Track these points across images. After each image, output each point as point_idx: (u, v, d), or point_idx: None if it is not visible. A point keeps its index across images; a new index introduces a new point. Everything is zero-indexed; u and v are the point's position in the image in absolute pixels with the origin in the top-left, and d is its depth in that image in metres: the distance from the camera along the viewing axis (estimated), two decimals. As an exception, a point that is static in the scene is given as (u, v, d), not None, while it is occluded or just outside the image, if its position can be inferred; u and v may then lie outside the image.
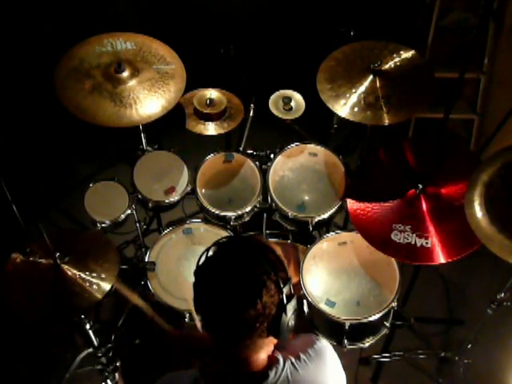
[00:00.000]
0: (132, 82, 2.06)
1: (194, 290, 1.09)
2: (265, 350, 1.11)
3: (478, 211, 1.61)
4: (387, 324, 2.06)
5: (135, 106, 2.01)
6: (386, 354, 2.47)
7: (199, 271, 1.09)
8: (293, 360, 1.14)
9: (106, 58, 2.09)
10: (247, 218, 2.24)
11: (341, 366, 1.23)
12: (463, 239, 1.81)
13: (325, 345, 1.22)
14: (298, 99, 2.35)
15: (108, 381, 2.21)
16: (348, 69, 2.17)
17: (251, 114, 2.52)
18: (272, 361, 1.13)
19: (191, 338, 1.61)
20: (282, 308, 1.05)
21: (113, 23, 2.21)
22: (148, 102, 2.03)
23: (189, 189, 2.28)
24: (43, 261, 1.73)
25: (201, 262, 1.09)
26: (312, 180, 2.35)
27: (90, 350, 2.21)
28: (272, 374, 1.11)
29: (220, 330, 1.07)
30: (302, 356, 1.16)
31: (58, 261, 1.71)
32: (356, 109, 2.08)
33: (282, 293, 1.04)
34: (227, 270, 1.05)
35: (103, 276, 1.74)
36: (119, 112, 1.98)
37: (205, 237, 2.21)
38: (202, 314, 1.08)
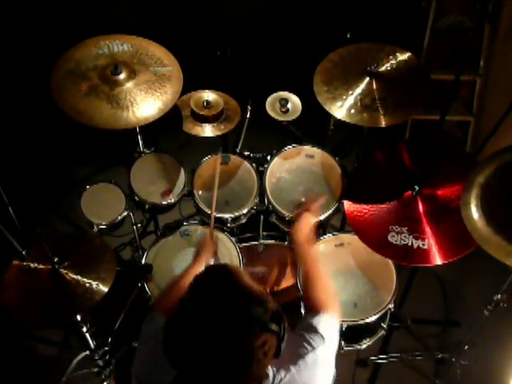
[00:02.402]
0: (129, 84, 2.05)
1: (175, 352, 1.01)
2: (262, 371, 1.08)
3: (475, 213, 1.62)
4: (384, 325, 2.07)
5: (132, 109, 2.00)
6: (383, 356, 2.47)
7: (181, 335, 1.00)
8: (282, 374, 1.12)
9: (103, 60, 2.09)
10: (244, 220, 2.24)
11: (332, 370, 1.22)
12: (460, 241, 1.81)
13: (316, 356, 1.19)
14: (294, 101, 2.35)
15: (105, 383, 2.20)
16: (344, 71, 2.18)
17: (248, 115, 2.52)
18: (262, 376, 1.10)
19: None
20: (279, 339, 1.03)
21: (111, 25, 2.20)
22: (145, 104, 2.03)
23: (185, 191, 2.27)
24: (42, 266, 1.72)
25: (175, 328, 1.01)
26: (309, 182, 2.35)
27: (87, 352, 2.21)
28: None
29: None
30: (292, 369, 1.14)
31: (57, 266, 1.70)
32: (352, 111, 2.08)
33: (280, 333, 1.03)
34: (219, 342, 0.97)
35: (102, 276, 1.74)
36: (116, 114, 1.98)
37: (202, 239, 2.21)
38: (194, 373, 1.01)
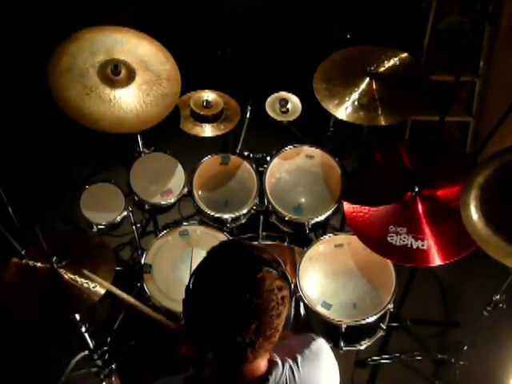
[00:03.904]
0: (129, 86, 2.04)
1: (193, 315, 1.03)
2: (268, 353, 1.10)
3: (474, 213, 1.62)
4: (383, 326, 2.06)
5: (135, 112, 2.00)
6: (383, 356, 2.47)
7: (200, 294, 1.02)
8: (290, 362, 1.14)
9: (100, 56, 2.05)
10: (244, 220, 2.24)
11: (336, 363, 1.24)
12: (459, 241, 1.81)
13: (320, 344, 1.22)
14: (294, 101, 2.35)
15: (103, 383, 2.20)
16: (345, 70, 2.18)
17: (248, 115, 2.52)
18: (271, 364, 1.11)
19: None
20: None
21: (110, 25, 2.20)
22: (146, 107, 2.03)
23: (185, 191, 2.27)
24: (40, 265, 1.72)
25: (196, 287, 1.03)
26: (308, 182, 2.35)
27: (86, 352, 2.21)
28: (272, 378, 1.09)
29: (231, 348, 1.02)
30: (298, 357, 1.15)
31: (55, 265, 1.70)
32: (350, 109, 2.08)
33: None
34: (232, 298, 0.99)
35: (101, 277, 1.73)
36: (119, 117, 1.97)
37: (201, 239, 2.21)
38: (208, 337, 1.02)
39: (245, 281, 0.98)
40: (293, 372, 1.13)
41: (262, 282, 0.99)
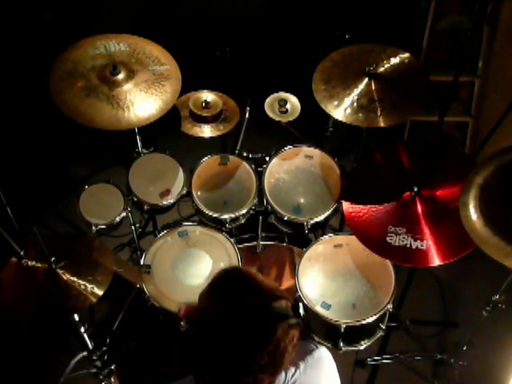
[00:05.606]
0: (128, 84, 2.05)
1: (196, 352, 0.99)
2: None
3: (473, 213, 1.62)
4: (383, 326, 2.07)
5: (132, 109, 2.00)
6: (382, 357, 2.47)
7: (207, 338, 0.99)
8: (293, 370, 1.13)
9: (101, 60, 2.09)
10: (243, 221, 2.24)
11: (337, 371, 1.23)
12: (458, 241, 1.81)
13: (323, 352, 1.21)
14: (293, 102, 2.35)
15: (103, 384, 2.20)
16: (344, 71, 2.18)
17: (247, 116, 2.52)
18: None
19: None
20: None
21: (108, 27, 2.21)
22: (145, 104, 2.03)
23: (184, 191, 2.27)
24: (39, 265, 1.72)
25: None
26: (307, 182, 2.35)
27: (85, 353, 2.20)
28: None
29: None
30: (301, 364, 1.15)
31: (54, 265, 1.70)
32: (349, 110, 2.08)
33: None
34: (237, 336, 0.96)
35: (98, 279, 1.73)
36: (117, 115, 1.98)
37: (200, 239, 2.21)
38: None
39: (257, 343, 0.96)
40: (296, 379, 1.12)
41: (274, 338, 0.97)
